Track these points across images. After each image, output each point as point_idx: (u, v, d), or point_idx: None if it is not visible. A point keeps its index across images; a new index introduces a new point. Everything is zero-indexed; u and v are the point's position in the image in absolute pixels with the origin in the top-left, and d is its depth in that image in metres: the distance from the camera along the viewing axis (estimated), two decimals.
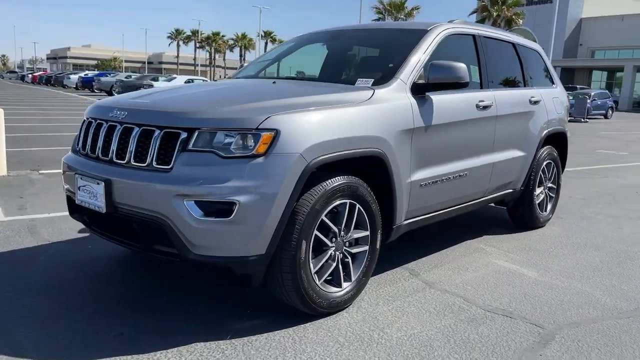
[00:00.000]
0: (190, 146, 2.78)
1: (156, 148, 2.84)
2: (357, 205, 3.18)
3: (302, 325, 3.01)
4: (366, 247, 3.31)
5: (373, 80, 3.63)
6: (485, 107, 4.27)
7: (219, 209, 2.72)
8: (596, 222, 5.80)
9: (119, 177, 2.92)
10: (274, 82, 3.80)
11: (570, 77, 53.67)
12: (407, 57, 3.76)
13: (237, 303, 3.30)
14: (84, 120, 3.43)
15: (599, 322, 3.21)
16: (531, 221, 5.32)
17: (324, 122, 2.99)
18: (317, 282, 3.04)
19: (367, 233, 3.29)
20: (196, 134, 2.78)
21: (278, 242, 2.82)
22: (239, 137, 2.74)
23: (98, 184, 2.97)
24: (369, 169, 3.29)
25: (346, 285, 3.22)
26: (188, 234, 2.73)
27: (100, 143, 3.13)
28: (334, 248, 3.12)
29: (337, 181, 3.02)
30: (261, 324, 3.01)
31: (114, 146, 3.03)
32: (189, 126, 2.80)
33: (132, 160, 2.93)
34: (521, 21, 36.75)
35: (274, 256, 2.85)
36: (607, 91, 35.30)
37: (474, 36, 4.47)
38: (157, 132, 2.86)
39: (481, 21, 36.19)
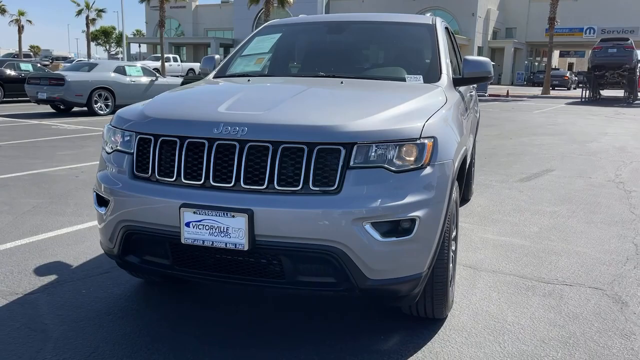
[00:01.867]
0: (352, 163, 2.49)
1: (312, 168, 2.48)
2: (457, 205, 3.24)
3: (440, 333, 2.98)
4: (454, 244, 3.39)
5: (421, 76, 3.64)
6: (471, 96, 4.60)
7: (399, 228, 2.53)
8: (498, 189, 6.70)
9: (264, 206, 2.46)
10: (342, 82, 3.51)
11: None
12: (439, 52, 3.85)
13: (346, 322, 3.09)
14: (141, 137, 2.74)
15: (625, 275, 3.85)
16: (467, 194, 5.93)
17: (450, 126, 2.95)
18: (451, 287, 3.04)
19: (456, 231, 3.37)
20: (355, 149, 2.50)
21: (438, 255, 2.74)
22: (401, 148, 2.55)
23: (233, 216, 2.46)
24: None
25: (451, 284, 3.26)
26: (368, 260, 2.48)
27: (208, 166, 2.57)
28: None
29: (454, 184, 3.03)
30: (404, 341, 2.90)
31: (238, 169, 2.53)
32: (348, 141, 2.50)
33: (276, 184, 2.49)
34: (292, 1, 38.44)
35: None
36: None
37: (447, 28, 4.73)
38: (306, 149, 2.48)
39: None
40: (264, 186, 2.50)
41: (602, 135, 12.55)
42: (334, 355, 2.74)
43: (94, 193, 3.00)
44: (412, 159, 2.55)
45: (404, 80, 3.62)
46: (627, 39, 27.05)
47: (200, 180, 2.59)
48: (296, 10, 52.30)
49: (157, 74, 17.08)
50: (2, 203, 5.61)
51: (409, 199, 2.50)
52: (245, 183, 2.52)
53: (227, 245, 2.49)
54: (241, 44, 4.39)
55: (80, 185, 6.47)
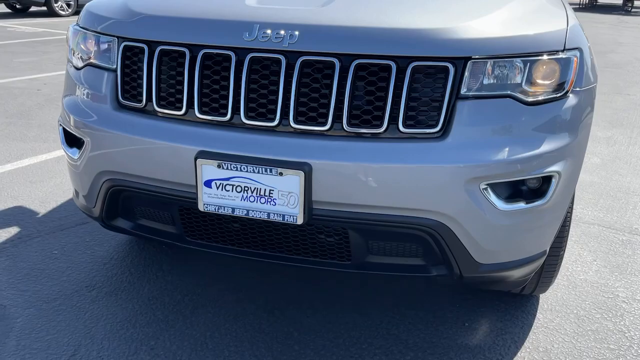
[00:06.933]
0: (464, 90, 1.60)
1: (403, 98, 1.58)
2: None
3: (540, 318, 2.25)
4: None
5: None
6: None
7: (530, 190, 1.69)
8: None
9: (329, 159, 1.58)
10: None
11: None
12: None
13: (405, 300, 2.33)
14: (128, 45, 1.80)
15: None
16: None
17: (584, 32, 2.03)
18: None
19: None
20: (469, 67, 1.60)
21: None
22: (537, 67, 1.65)
23: (281, 174, 1.58)
24: None
25: None
26: (482, 238, 1.67)
27: (237, 93, 1.66)
28: None
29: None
30: (497, 331, 2.15)
31: (285, 99, 1.62)
32: (458, 55, 1.59)
33: (346, 124, 1.60)
34: None
35: None
36: None
37: None
38: (394, 68, 1.57)
39: None
40: (328, 126, 1.61)
41: (617, 45, 11.60)
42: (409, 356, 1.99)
43: (60, 127, 2.07)
44: (551, 82, 1.67)
45: None
46: None
47: (225, 115, 1.67)
48: None
49: None
50: None
51: (546, 146, 1.65)
52: (297, 121, 1.62)
53: (271, 217, 1.63)
54: None
55: (44, 101, 5.41)
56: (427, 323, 2.16)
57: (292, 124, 1.62)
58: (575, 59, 1.70)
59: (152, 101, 1.76)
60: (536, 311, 2.26)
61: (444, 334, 2.10)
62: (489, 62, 1.60)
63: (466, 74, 1.59)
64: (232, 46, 1.64)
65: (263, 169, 1.59)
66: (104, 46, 1.89)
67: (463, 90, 1.60)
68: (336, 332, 2.09)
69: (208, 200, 1.67)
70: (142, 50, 1.77)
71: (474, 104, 1.60)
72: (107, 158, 1.82)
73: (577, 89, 1.72)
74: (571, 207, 2.02)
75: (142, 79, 1.77)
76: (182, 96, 1.71)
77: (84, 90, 1.94)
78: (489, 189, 1.61)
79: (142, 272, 2.47)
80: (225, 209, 1.66)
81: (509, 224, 1.67)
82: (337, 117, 1.60)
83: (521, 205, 1.66)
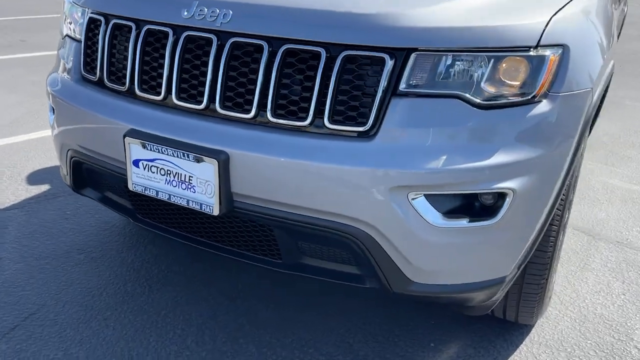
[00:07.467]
0: (403, 86, 1.41)
1: (331, 90, 1.42)
2: None
3: (522, 350, 1.98)
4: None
5: None
6: None
7: (476, 206, 1.47)
8: (634, 110, 5.19)
9: (248, 150, 1.48)
10: None
11: None
12: None
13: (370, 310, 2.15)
14: (92, 17, 1.80)
15: None
16: None
17: (593, 22, 1.71)
18: None
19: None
20: (412, 60, 1.39)
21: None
22: (499, 64, 1.41)
23: (198, 161, 1.51)
24: None
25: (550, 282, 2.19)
26: (413, 255, 1.48)
27: (171, 72, 1.60)
28: None
29: (586, 132, 1.84)
30: (463, 358, 1.93)
31: (213, 81, 1.54)
32: (400, 45, 1.40)
33: (270, 114, 1.48)
34: None
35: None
36: None
37: None
38: (324, 56, 1.42)
39: None
40: (252, 115, 1.50)
41: None
42: None
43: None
44: (515, 83, 1.42)
45: None
46: None
47: (159, 94, 1.62)
48: None
49: None
50: (34, 83, 5.01)
51: (498, 158, 1.41)
52: (223, 107, 1.53)
53: (190, 204, 1.57)
54: None
55: None
56: (388, 336, 1.99)
57: (218, 109, 1.53)
58: (552, 57, 1.43)
59: (104, 74, 1.75)
60: (521, 342, 1.99)
61: (401, 352, 1.92)
62: (437, 56, 1.39)
63: (407, 67, 1.40)
64: (171, 23, 1.58)
65: (181, 154, 1.52)
66: (81, 19, 1.92)
67: (401, 86, 1.41)
68: (287, 331, 1.99)
69: (136, 180, 1.64)
70: (99, 23, 1.76)
71: (411, 103, 1.41)
72: (68, 129, 1.86)
73: (555, 93, 1.45)
74: (557, 231, 1.73)
75: (97, 53, 1.77)
76: (127, 72, 1.68)
77: (59, 60, 1.99)
78: (423, 201, 1.42)
79: (135, 242, 2.53)
80: (151, 191, 1.62)
81: (446, 242, 1.47)
82: (264, 106, 1.49)
83: (462, 222, 1.45)
